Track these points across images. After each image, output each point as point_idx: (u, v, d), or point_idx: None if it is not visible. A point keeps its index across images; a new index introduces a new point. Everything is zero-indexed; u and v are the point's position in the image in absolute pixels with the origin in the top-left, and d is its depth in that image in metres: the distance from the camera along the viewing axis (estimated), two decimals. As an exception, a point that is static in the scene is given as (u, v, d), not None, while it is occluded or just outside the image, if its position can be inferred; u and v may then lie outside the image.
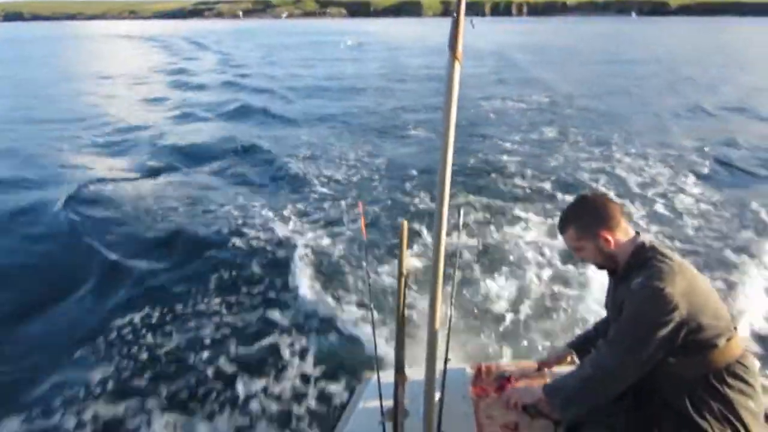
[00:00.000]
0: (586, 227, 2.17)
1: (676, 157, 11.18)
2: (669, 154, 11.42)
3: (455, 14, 1.96)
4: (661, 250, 2.07)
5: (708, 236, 7.30)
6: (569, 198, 8.53)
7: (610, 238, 2.14)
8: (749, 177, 10.20)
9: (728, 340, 1.98)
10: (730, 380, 1.97)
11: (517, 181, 9.82)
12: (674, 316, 1.89)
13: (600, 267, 2.28)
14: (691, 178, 9.79)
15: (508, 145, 12.37)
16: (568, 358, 2.66)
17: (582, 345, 2.62)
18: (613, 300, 2.25)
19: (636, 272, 2.06)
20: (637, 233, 2.15)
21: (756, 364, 2.07)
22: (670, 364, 1.98)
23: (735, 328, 2.03)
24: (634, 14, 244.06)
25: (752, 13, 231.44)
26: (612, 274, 2.27)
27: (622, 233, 2.15)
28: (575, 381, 2.16)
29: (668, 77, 24.67)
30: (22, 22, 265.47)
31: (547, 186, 9.37)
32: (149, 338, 5.13)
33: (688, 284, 1.95)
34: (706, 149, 11.71)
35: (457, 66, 1.89)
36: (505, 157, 11.15)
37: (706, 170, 10.40)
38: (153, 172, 10.79)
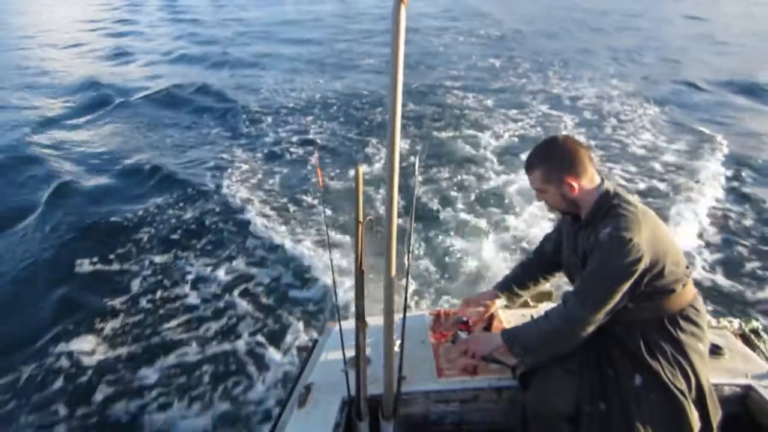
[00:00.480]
0: (552, 171, 2.13)
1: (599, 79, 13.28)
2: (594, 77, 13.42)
3: None
4: (625, 197, 2.07)
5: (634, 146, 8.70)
6: (516, 123, 10.15)
7: (575, 184, 2.11)
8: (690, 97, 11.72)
9: (684, 285, 2.03)
10: (682, 323, 2.03)
11: (469, 113, 10.44)
12: (640, 266, 1.91)
13: (561, 212, 2.28)
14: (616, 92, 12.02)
15: (455, 73, 13.38)
16: (496, 302, 2.65)
17: (509, 286, 2.61)
18: (574, 246, 2.25)
19: (601, 221, 2.06)
20: (602, 180, 2.13)
21: (703, 306, 2.13)
22: (629, 309, 2.02)
23: (689, 274, 2.07)
24: None
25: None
26: (575, 220, 2.25)
27: (588, 180, 2.12)
28: (539, 332, 2.17)
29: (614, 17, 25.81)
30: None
31: (496, 112, 10.42)
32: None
33: (652, 232, 1.97)
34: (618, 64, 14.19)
35: (403, 9, 1.76)
36: (458, 94, 11.54)
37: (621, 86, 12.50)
38: (96, 117, 10.68)
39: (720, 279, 5.27)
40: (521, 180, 7.14)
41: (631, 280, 1.93)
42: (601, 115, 10.40)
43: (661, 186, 7.28)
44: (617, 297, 1.95)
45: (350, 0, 38.27)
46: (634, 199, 2.09)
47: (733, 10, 28.41)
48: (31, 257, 5.82)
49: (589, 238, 2.08)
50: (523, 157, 7.27)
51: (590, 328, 2.03)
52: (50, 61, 17.96)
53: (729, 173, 7.62)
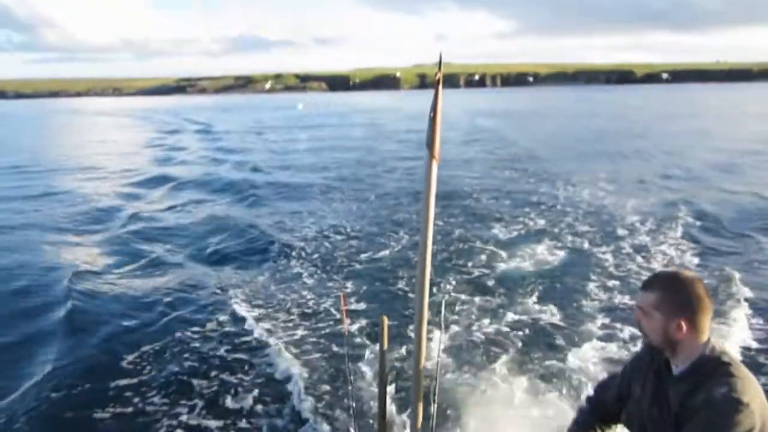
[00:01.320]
0: (670, 302, 2.06)
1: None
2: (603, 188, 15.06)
3: (432, 114, 2.11)
4: (734, 358, 2.03)
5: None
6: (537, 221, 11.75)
7: (685, 327, 2.03)
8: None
9: None
10: None
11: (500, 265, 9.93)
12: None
13: (650, 345, 2.21)
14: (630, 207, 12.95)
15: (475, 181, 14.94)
16: None
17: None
18: (656, 399, 2.18)
19: (707, 379, 1.99)
20: (709, 336, 2.08)
21: None
22: None
23: None
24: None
25: (714, 80, 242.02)
26: (652, 364, 2.23)
27: (699, 331, 2.05)
28: None
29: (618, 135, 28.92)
30: (4, 100, 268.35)
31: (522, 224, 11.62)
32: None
33: (760, 398, 1.94)
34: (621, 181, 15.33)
35: (435, 164, 1.99)
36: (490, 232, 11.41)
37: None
38: (131, 255, 10.67)
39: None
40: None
41: None
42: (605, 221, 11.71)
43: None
44: None
45: (380, 123, 42.42)
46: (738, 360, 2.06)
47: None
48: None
49: (692, 396, 2.00)
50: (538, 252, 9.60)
51: None
52: (85, 183, 19.13)
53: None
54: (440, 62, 2.40)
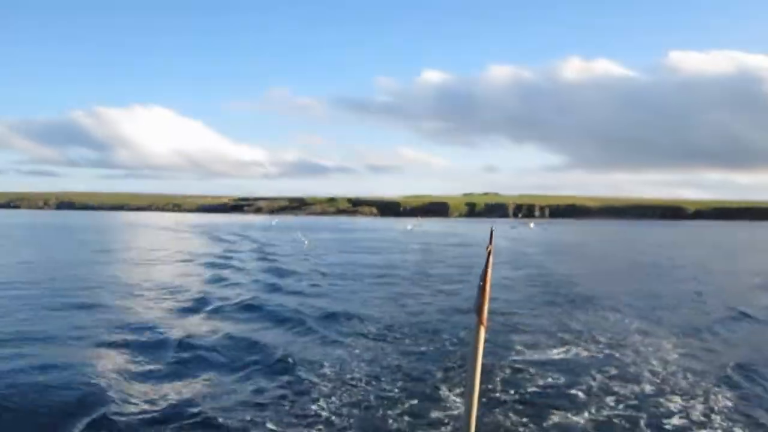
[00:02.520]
0: None
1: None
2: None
3: (481, 283, 2.26)
4: None
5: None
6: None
7: None
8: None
9: None
10: None
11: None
12: None
13: None
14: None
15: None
16: None
17: None
18: None
19: None
20: None
21: None
22: None
23: None
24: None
25: (763, 218, 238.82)
26: None
27: None
28: None
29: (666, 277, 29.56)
30: (72, 211, 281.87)
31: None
32: None
33: None
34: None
35: (482, 330, 2.11)
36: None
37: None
38: (168, 376, 11.24)
39: None
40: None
41: None
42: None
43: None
44: None
45: (434, 249, 44.30)
46: None
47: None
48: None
49: None
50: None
51: None
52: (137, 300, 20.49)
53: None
54: (491, 236, 2.50)
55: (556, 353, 13.73)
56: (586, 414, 9.77)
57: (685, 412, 9.85)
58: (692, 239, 75.41)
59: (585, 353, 13.65)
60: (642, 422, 9.37)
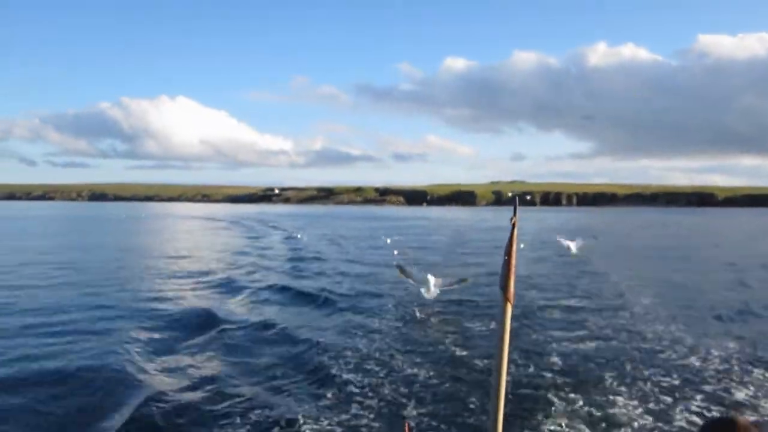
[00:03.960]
0: None
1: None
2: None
3: (506, 257, 2.19)
4: None
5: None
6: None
7: None
8: None
9: None
10: None
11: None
12: None
13: None
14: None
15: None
16: None
17: None
18: None
19: None
20: None
21: None
22: None
23: None
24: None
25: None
26: None
27: None
28: None
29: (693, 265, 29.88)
30: (105, 202, 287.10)
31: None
32: None
33: None
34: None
35: (509, 307, 2.08)
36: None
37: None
38: (189, 367, 11.07)
39: None
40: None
41: None
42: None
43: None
44: None
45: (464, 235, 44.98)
46: None
47: None
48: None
49: None
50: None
51: None
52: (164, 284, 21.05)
53: None
54: (515, 207, 2.37)
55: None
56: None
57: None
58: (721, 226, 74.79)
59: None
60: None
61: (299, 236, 47.60)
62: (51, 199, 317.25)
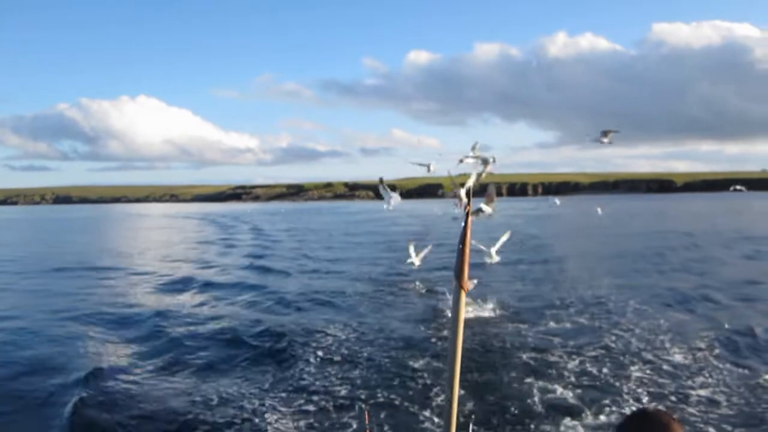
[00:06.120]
0: None
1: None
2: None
3: (460, 246, 2.21)
4: None
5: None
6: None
7: None
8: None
9: None
10: None
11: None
12: None
13: None
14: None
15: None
16: None
17: None
18: None
19: None
20: None
21: None
22: None
23: None
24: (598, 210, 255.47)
25: (757, 188, 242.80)
26: None
27: None
28: None
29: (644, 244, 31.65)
30: (70, 205, 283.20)
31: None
32: None
33: None
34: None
35: (463, 294, 2.11)
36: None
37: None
38: (161, 364, 10.77)
39: None
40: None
41: None
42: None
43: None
44: None
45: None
46: None
47: None
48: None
49: None
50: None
51: None
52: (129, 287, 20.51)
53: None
54: (469, 197, 2.58)
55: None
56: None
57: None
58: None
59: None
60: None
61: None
62: (14, 203, 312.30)
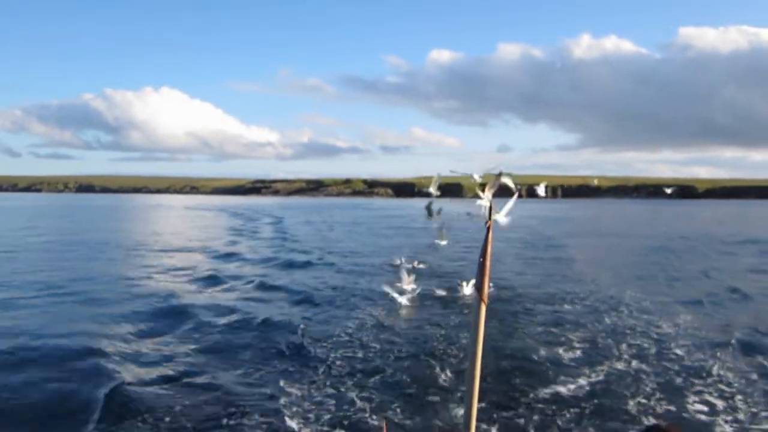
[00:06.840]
0: None
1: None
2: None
3: (481, 259, 2.23)
4: None
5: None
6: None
7: None
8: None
9: None
10: None
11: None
12: None
13: None
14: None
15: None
16: None
17: None
18: None
19: None
20: None
21: None
22: None
23: None
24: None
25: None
26: None
27: None
28: None
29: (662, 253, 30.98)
30: (93, 194, 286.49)
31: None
32: None
33: None
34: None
35: (483, 307, 2.09)
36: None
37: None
38: (177, 366, 10.38)
39: None
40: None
41: None
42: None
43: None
44: None
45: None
46: None
47: None
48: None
49: None
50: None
51: None
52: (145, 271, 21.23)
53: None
54: (490, 210, 2.57)
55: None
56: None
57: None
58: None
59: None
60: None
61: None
62: (38, 190, 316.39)
